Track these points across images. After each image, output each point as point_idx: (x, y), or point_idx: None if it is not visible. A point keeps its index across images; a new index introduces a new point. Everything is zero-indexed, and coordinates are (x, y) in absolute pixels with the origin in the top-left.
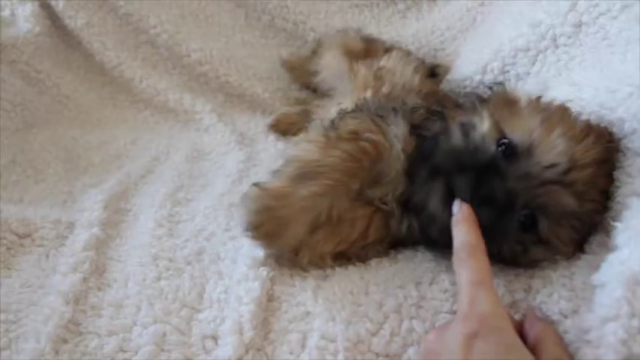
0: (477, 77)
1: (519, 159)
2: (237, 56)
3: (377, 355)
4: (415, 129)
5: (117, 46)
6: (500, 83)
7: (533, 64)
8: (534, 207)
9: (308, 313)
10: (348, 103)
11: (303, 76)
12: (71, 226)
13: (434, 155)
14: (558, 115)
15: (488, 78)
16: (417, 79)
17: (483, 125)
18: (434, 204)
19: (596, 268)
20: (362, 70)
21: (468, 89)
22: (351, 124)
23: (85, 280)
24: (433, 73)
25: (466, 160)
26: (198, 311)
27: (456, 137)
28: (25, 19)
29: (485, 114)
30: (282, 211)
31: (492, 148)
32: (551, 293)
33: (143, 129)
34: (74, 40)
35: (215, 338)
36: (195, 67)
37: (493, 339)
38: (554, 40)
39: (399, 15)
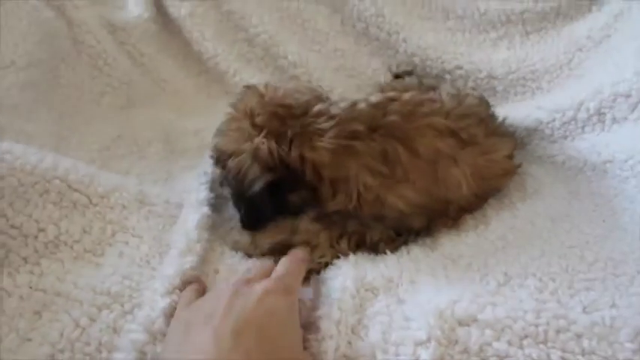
0: (570, 112)
1: None
2: (329, 66)
3: None
4: None
5: (215, 38)
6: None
7: (633, 110)
8: None
9: None
10: None
11: None
12: (179, 206)
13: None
14: None
15: (582, 116)
16: None
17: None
18: None
19: None
20: None
21: (557, 122)
22: None
23: None
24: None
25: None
26: None
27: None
28: (135, 3)
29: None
30: None
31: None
32: None
33: None
34: (175, 27)
35: None
36: (289, 68)
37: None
38: None
39: (490, 42)
